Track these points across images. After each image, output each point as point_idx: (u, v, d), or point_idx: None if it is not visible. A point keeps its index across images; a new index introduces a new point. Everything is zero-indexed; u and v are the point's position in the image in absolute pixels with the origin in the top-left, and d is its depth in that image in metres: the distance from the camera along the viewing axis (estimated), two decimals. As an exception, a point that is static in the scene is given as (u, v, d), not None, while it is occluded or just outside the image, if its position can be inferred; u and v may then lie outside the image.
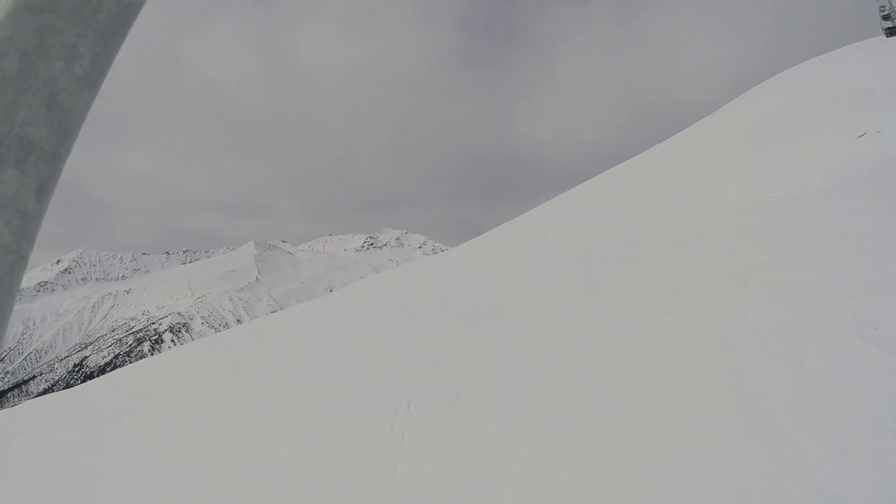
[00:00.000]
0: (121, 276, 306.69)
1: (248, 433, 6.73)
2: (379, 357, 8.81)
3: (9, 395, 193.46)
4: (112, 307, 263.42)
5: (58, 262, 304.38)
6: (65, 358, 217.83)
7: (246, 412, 7.89)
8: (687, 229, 10.19)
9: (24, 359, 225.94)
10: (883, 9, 27.14)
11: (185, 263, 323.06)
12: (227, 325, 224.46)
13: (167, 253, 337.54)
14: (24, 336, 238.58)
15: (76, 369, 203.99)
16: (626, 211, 15.04)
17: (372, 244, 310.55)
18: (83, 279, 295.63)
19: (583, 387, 4.96)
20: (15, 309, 0.57)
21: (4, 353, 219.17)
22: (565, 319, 7.36)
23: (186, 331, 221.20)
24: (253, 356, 12.63)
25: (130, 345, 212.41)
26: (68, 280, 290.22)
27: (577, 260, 11.38)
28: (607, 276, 8.78)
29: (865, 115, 15.98)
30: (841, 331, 4.08)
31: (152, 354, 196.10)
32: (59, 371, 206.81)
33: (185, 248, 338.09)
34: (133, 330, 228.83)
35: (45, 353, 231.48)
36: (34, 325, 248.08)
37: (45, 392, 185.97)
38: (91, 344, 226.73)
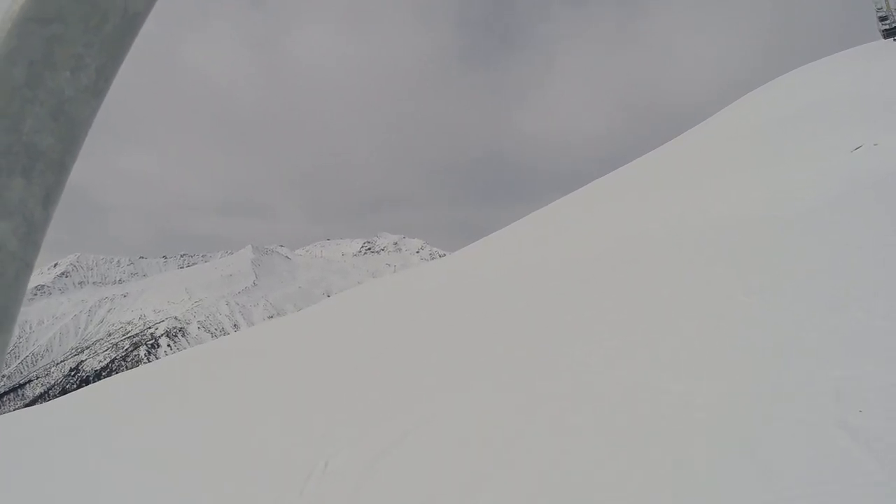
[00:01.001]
0: (118, 279, 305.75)
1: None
2: (317, 399, 7.94)
3: (4, 399, 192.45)
4: (109, 311, 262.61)
5: (55, 265, 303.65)
6: (61, 362, 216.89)
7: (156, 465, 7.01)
8: (659, 253, 9.29)
9: (21, 363, 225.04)
10: (880, 10, 27.00)
11: (182, 268, 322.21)
12: (223, 330, 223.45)
13: (165, 257, 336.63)
14: (21, 340, 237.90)
15: (72, 373, 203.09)
16: (598, 228, 14.12)
17: (369, 249, 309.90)
18: (80, 283, 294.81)
19: (512, 467, 4.06)
20: None
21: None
22: (512, 368, 6.46)
23: (183, 335, 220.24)
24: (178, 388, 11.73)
25: (126, 349, 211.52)
26: (65, 284, 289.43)
27: (534, 286, 10.48)
28: (557, 316, 7.88)
29: (863, 125, 15.14)
30: (819, 414, 3.19)
31: (148, 359, 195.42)
32: (54, 375, 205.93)
33: (182, 253, 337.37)
34: (129, 334, 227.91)
35: (42, 357, 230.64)
36: (31, 328, 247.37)
37: (40, 396, 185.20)
38: (87, 348, 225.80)
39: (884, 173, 10.40)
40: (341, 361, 9.88)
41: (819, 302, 5.15)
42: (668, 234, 10.41)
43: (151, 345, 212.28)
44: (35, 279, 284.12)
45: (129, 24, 0.59)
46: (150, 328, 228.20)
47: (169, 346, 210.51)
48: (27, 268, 0.54)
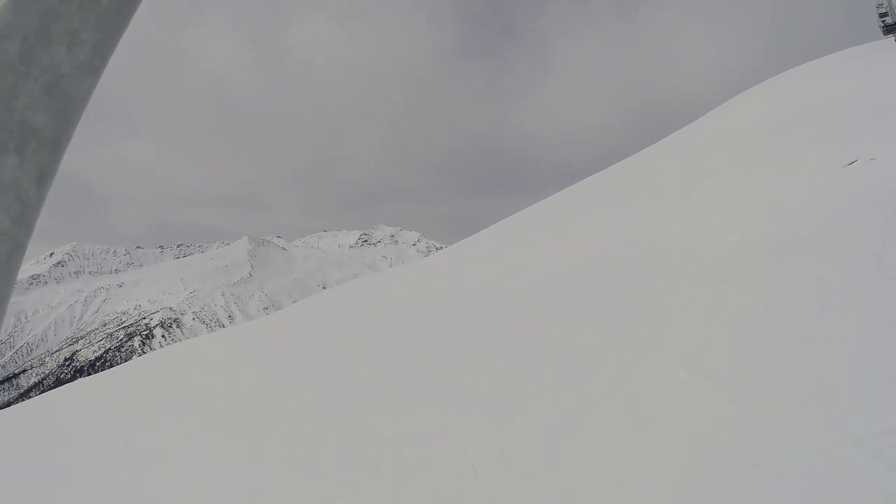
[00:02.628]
0: (114, 269, 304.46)
1: None
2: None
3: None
4: (104, 301, 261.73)
5: (51, 254, 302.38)
6: (55, 352, 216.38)
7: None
8: (602, 292, 8.14)
9: (15, 352, 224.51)
10: (880, 6, 26.98)
11: (178, 258, 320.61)
12: (218, 322, 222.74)
13: (161, 247, 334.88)
14: (16, 329, 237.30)
15: (66, 363, 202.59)
16: (561, 246, 12.96)
17: (366, 241, 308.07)
18: (76, 272, 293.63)
19: None
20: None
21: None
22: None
23: (178, 326, 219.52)
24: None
25: (121, 340, 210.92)
26: (61, 273, 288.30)
27: (479, 319, 9.37)
28: (490, 359, 6.78)
29: (859, 135, 14.03)
30: None
31: (143, 350, 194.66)
32: (49, 365, 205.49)
33: (179, 243, 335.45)
34: (124, 324, 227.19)
35: (37, 346, 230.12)
36: (26, 318, 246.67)
37: (34, 386, 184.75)
38: (82, 338, 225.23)
39: (879, 196, 9.29)
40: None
41: (791, 371, 4.08)
42: (623, 265, 9.27)
43: (146, 335, 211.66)
44: (31, 268, 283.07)
45: (126, 1, 0.58)
46: (144, 319, 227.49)
47: (163, 336, 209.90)
48: (19, 248, 0.53)
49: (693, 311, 6.13)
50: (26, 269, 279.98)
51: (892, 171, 10.82)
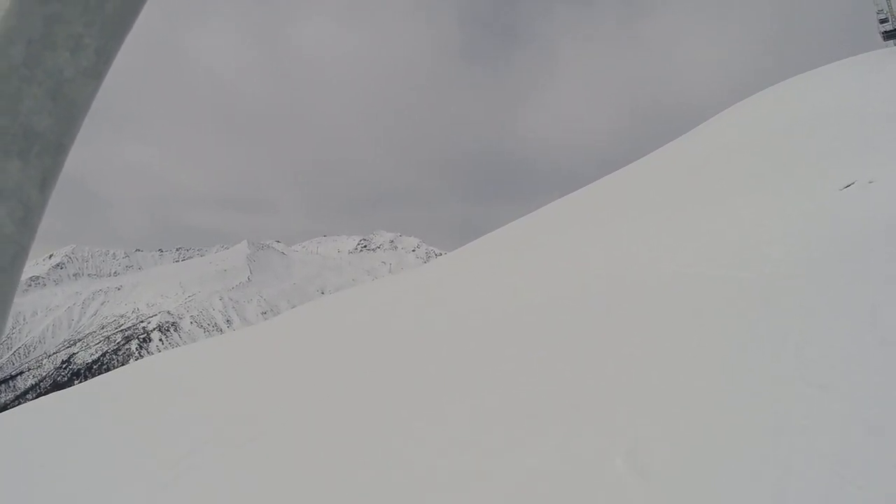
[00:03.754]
0: (113, 272, 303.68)
1: None
2: None
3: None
4: (102, 304, 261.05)
5: (50, 256, 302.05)
6: (53, 354, 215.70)
7: None
8: (563, 334, 7.14)
9: (13, 354, 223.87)
10: (881, 12, 27.01)
11: (178, 261, 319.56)
12: (216, 326, 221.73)
13: (160, 250, 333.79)
14: (14, 331, 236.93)
15: (63, 366, 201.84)
16: (516, 281, 11.85)
17: (365, 246, 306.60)
18: (75, 275, 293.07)
19: None
20: None
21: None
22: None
23: (175, 330, 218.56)
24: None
25: (119, 343, 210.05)
26: (60, 275, 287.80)
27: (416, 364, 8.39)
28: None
29: (857, 154, 13.06)
30: None
31: (140, 354, 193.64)
32: (46, 367, 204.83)
33: (178, 246, 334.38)
34: (122, 328, 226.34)
35: (34, 348, 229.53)
36: (24, 319, 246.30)
37: (31, 388, 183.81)
38: (80, 341, 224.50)
39: (876, 229, 8.30)
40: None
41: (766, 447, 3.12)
42: (577, 307, 8.26)
43: (143, 339, 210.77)
44: (30, 270, 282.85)
45: (131, 5, 0.58)
46: (142, 322, 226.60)
47: (161, 340, 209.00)
48: (23, 252, 0.53)
49: (647, 374, 5.14)
50: (25, 271, 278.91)
51: (890, 197, 9.86)
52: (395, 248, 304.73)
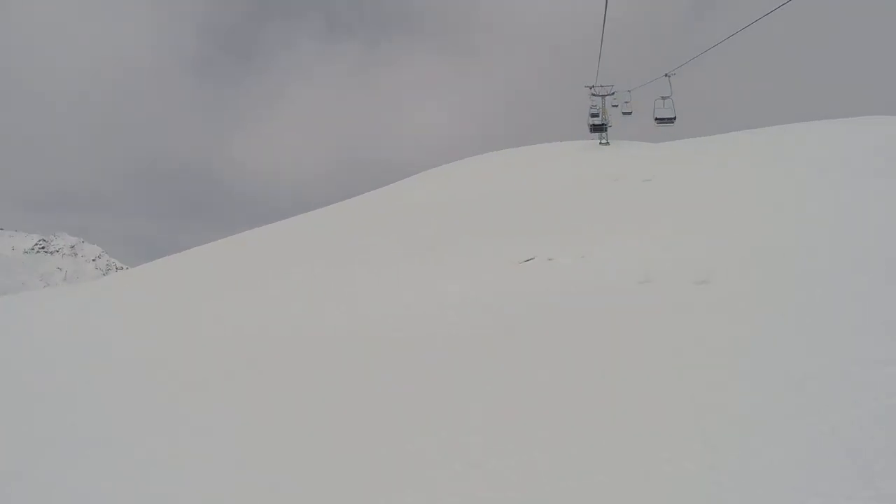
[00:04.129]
0: None
1: None
2: None
3: None
4: None
5: None
6: None
7: None
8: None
9: None
10: (594, 107, 32.53)
11: None
12: None
13: None
14: None
15: None
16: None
17: (44, 248, 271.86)
18: None
19: None
20: None
21: None
22: None
23: None
24: None
25: None
26: None
27: None
28: None
29: (547, 230, 14.75)
30: None
31: None
32: None
33: None
34: None
35: None
36: None
37: None
38: None
39: (538, 309, 9.50)
40: None
41: None
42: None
43: None
44: None
45: None
46: None
47: None
48: None
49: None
50: None
51: (569, 274, 11.38)
52: (76, 254, 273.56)
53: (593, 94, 33.39)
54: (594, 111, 32.92)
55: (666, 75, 24.61)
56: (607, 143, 33.51)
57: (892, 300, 6.22)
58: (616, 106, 32.93)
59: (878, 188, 13.30)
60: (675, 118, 25.77)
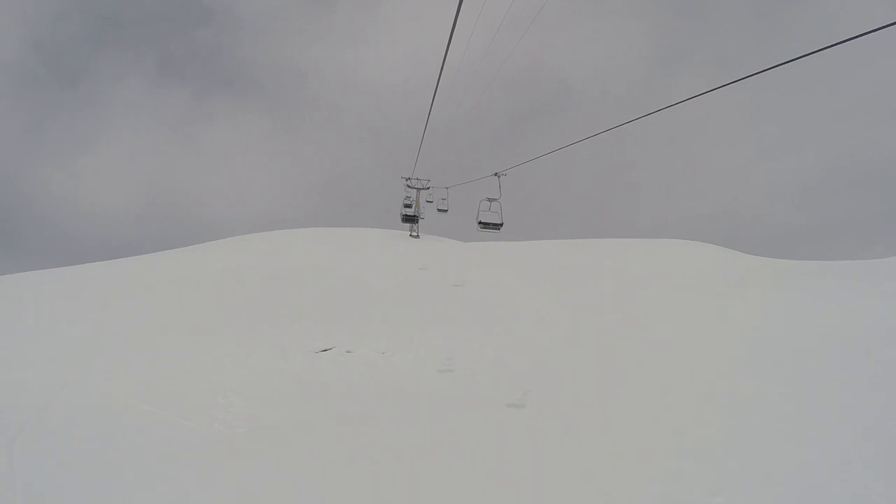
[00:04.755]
0: None
1: None
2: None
3: None
4: None
5: None
6: None
7: None
8: None
9: None
10: (408, 198, 34.38)
11: None
12: None
13: None
14: None
15: None
16: None
17: None
18: None
19: None
20: None
21: None
22: None
23: None
24: None
25: None
26: None
27: None
28: None
29: (348, 322, 14.05)
30: None
31: None
32: None
33: None
34: None
35: None
36: None
37: None
38: None
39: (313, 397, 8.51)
40: None
41: None
42: None
43: None
44: None
45: None
46: None
47: None
48: None
49: None
50: None
51: (367, 363, 10.62)
52: None
53: (408, 186, 34.70)
54: (408, 202, 34.23)
55: (496, 174, 19.15)
56: (417, 237, 34.50)
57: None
58: (431, 202, 34.45)
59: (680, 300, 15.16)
60: (501, 224, 21.08)
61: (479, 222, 21.78)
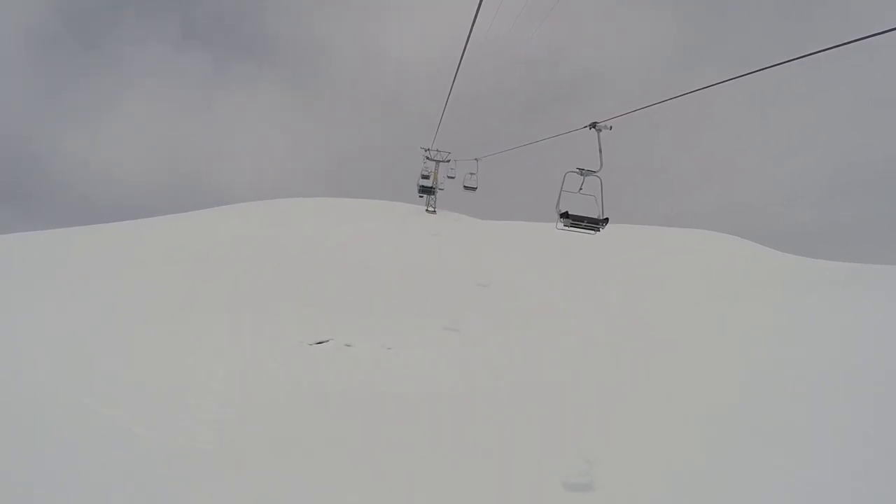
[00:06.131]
0: None
1: None
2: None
3: None
4: None
5: None
6: None
7: None
8: None
9: None
10: (426, 170, 32.72)
11: None
12: None
13: None
14: None
15: None
16: None
17: None
18: None
19: None
20: None
21: None
22: None
23: None
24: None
25: None
26: None
27: None
28: None
29: (323, 312, 12.68)
30: None
31: None
32: None
33: None
34: None
35: None
36: None
37: None
38: None
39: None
40: None
41: None
42: None
43: None
44: None
45: None
46: None
47: None
48: None
49: None
50: None
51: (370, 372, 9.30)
52: None
53: (427, 158, 33.04)
54: (426, 173, 32.57)
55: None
56: (434, 212, 32.99)
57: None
58: (453, 177, 32.16)
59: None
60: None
61: (464, 186, 28.86)
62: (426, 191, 32.48)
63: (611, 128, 8.50)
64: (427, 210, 33.25)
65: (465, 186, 29.49)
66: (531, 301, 14.56)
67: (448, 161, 32.94)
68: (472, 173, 28.80)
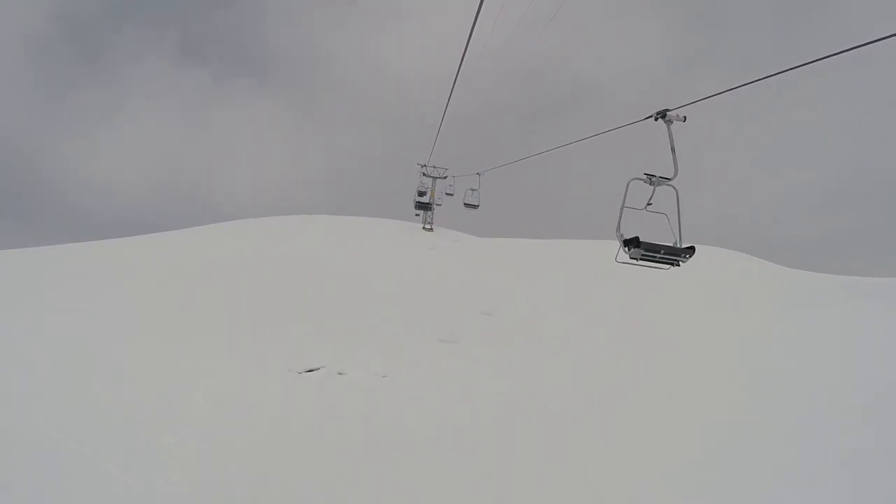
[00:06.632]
0: None
1: None
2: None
3: None
4: None
5: None
6: None
7: None
8: None
9: None
10: (422, 185, 31.95)
11: None
12: None
13: None
14: None
15: None
16: None
17: None
18: None
19: None
20: None
21: None
22: None
23: None
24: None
25: None
26: None
27: None
28: None
29: (319, 343, 12.02)
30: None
31: None
32: None
33: None
34: None
35: None
36: None
37: None
38: None
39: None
40: None
41: None
42: None
43: None
44: None
45: None
46: None
47: None
48: None
49: None
50: None
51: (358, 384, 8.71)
52: None
53: (424, 174, 32.41)
54: (422, 189, 31.86)
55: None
56: (430, 229, 32.42)
57: None
58: (451, 195, 31.02)
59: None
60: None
61: (464, 203, 27.56)
62: (423, 207, 32.02)
63: (684, 119, 6.20)
64: (424, 227, 32.73)
65: (465, 204, 27.70)
66: (534, 321, 14.02)
67: (445, 178, 32.33)
68: (472, 189, 27.16)
